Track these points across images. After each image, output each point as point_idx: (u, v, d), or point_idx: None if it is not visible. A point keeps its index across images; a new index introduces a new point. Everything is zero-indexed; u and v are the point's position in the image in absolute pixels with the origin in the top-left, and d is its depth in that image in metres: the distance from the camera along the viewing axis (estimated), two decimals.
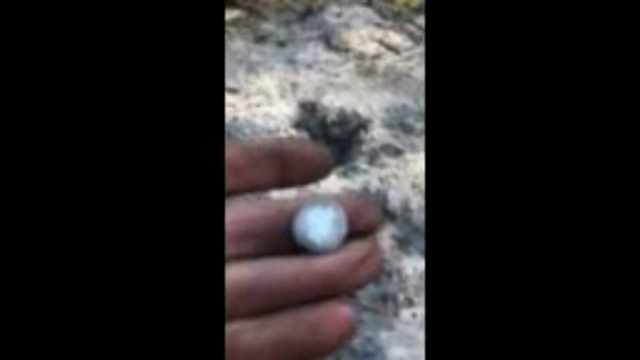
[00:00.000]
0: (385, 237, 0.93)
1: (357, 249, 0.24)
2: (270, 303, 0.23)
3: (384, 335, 0.83)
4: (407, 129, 1.14)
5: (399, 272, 0.90)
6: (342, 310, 0.23)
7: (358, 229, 0.25)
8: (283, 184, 0.25)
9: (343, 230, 0.24)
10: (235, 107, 1.20)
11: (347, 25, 1.50)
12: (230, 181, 0.22)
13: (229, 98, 1.19)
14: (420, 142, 1.11)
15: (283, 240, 0.24)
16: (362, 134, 1.15)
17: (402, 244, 0.93)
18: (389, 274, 0.89)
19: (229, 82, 1.23)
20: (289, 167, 0.24)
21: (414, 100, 1.25)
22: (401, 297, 0.87)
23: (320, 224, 0.24)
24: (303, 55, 1.35)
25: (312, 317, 0.23)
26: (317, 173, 0.25)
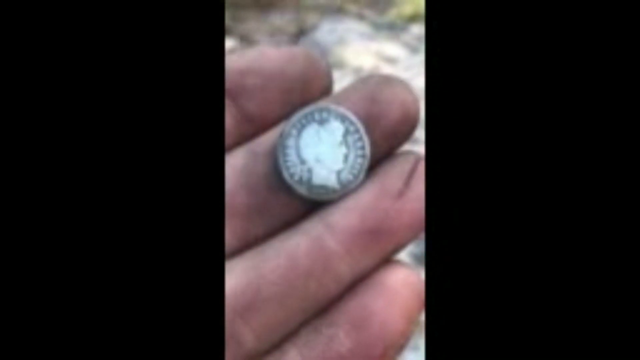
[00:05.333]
0: (402, 255, 0.90)
1: (393, 175, 0.17)
2: (279, 317, 0.17)
3: (411, 357, 0.80)
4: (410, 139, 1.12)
5: None
6: (396, 279, 0.17)
7: (383, 137, 0.17)
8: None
9: (365, 150, 0.17)
10: None
11: (341, 41, 1.50)
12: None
13: None
14: None
15: (273, 197, 0.17)
16: None
17: (420, 260, 0.90)
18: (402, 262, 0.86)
19: None
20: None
21: None
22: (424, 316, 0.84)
23: (324, 153, 0.17)
24: None
25: (351, 313, 0.17)
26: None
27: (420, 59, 1.43)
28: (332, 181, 0.17)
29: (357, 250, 0.17)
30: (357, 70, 1.37)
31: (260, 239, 0.17)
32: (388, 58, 1.45)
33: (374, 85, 0.18)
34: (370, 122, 0.18)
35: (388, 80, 0.18)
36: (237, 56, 0.19)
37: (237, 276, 0.17)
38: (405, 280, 0.17)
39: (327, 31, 1.54)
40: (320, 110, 0.17)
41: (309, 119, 0.17)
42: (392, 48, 1.49)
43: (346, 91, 0.18)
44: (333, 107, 0.18)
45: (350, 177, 0.17)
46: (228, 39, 1.48)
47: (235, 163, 0.18)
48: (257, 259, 0.17)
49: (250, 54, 0.18)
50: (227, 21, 1.51)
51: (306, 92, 0.18)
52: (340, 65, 1.40)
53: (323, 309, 0.17)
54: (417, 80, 1.34)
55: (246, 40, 1.50)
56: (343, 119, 0.17)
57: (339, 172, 0.17)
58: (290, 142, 0.17)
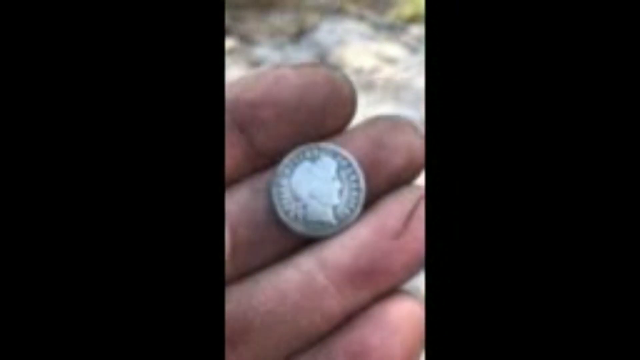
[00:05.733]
0: None
1: (393, 213, 0.17)
2: (268, 348, 0.17)
3: None
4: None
5: (418, 290, 0.87)
6: (399, 313, 0.16)
7: (385, 181, 0.17)
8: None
9: (359, 183, 0.17)
10: None
11: (341, 42, 1.50)
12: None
13: None
14: None
15: (271, 231, 0.18)
16: None
17: None
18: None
19: None
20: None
21: (416, 111, 1.24)
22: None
23: (318, 189, 0.17)
24: None
25: (350, 346, 0.17)
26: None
27: (420, 60, 1.43)
28: (328, 216, 0.17)
29: (348, 288, 0.16)
30: (357, 70, 1.37)
31: (256, 271, 0.18)
32: (388, 58, 1.45)
33: (381, 129, 0.18)
34: (374, 166, 0.17)
35: (396, 124, 0.18)
36: (251, 81, 0.18)
37: (229, 306, 0.17)
38: (409, 315, 0.17)
39: (327, 31, 1.54)
40: (311, 148, 0.18)
41: (300, 158, 0.18)
42: (392, 48, 1.49)
43: (353, 132, 0.18)
44: (323, 144, 0.18)
45: (347, 211, 0.17)
46: (228, 39, 1.48)
47: (238, 198, 0.18)
48: (250, 290, 0.17)
49: (266, 80, 0.17)
50: (227, 21, 1.51)
51: (325, 123, 0.17)
52: (340, 65, 1.40)
53: (313, 342, 0.17)
54: (418, 81, 1.34)
55: (246, 40, 1.50)
56: (334, 154, 0.17)
57: (335, 207, 0.17)
58: (284, 180, 0.17)
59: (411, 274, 0.17)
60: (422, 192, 0.17)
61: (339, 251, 0.17)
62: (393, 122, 0.18)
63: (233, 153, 0.17)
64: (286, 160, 0.18)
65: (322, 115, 0.17)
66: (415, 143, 0.17)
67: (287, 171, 0.17)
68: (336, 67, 0.18)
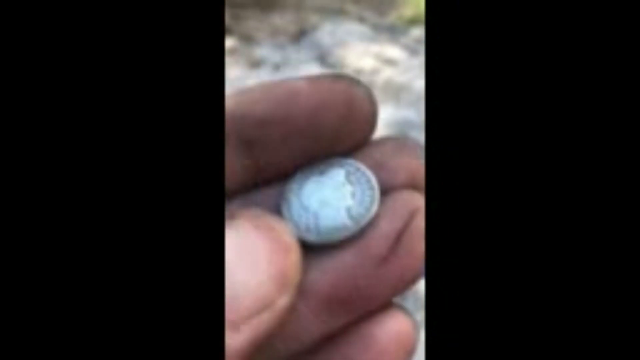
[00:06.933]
0: None
1: (380, 236, 0.16)
2: None
3: None
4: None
5: (414, 292, 0.87)
6: (387, 333, 0.16)
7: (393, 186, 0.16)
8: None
9: (372, 182, 0.16)
10: None
11: (341, 43, 1.50)
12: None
13: None
14: None
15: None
16: None
17: None
18: (404, 296, 0.87)
19: None
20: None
21: (416, 112, 1.24)
22: (419, 317, 0.84)
23: (329, 196, 0.17)
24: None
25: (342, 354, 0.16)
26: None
27: (419, 61, 1.43)
28: (343, 218, 0.16)
29: (325, 315, 0.16)
30: (357, 71, 1.37)
31: None
32: (388, 60, 1.45)
33: (387, 151, 0.17)
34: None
35: (402, 145, 0.17)
36: (262, 93, 0.16)
37: None
38: (397, 334, 0.16)
39: (327, 32, 1.54)
40: (318, 164, 0.17)
41: (307, 174, 0.17)
42: (392, 50, 1.49)
43: (361, 152, 0.17)
44: (330, 159, 0.17)
45: (362, 210, 0.16)
46: (228, 38, 1.48)
47: (228, 208, 0.17)
48: None
49: (278, 94, 0.16)
50: (228, 20, 1.51)
51: (337, 145, 0.16)
52: (341, 66, 1.40)
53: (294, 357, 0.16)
54: (418, 82, 1.34)
55: (246, 40, 1.50)
56: (341, 164, 0.17)
57: (349, 209, 0.16)
58: (292, 196, 0.17)
59: (395, 296, 0.16)
60: (415, 206, 0.16)
61: (319, 277, 0.16)
62: (398, 144, 0.17)
63: (236, 167, 0.17)
64: (295, 177, 0.17)
65: (334, 137, 0.16)
66: (417, 166, 0.17)
67: (295, 186, 0.17)
68: (358, 81, 0.17)
